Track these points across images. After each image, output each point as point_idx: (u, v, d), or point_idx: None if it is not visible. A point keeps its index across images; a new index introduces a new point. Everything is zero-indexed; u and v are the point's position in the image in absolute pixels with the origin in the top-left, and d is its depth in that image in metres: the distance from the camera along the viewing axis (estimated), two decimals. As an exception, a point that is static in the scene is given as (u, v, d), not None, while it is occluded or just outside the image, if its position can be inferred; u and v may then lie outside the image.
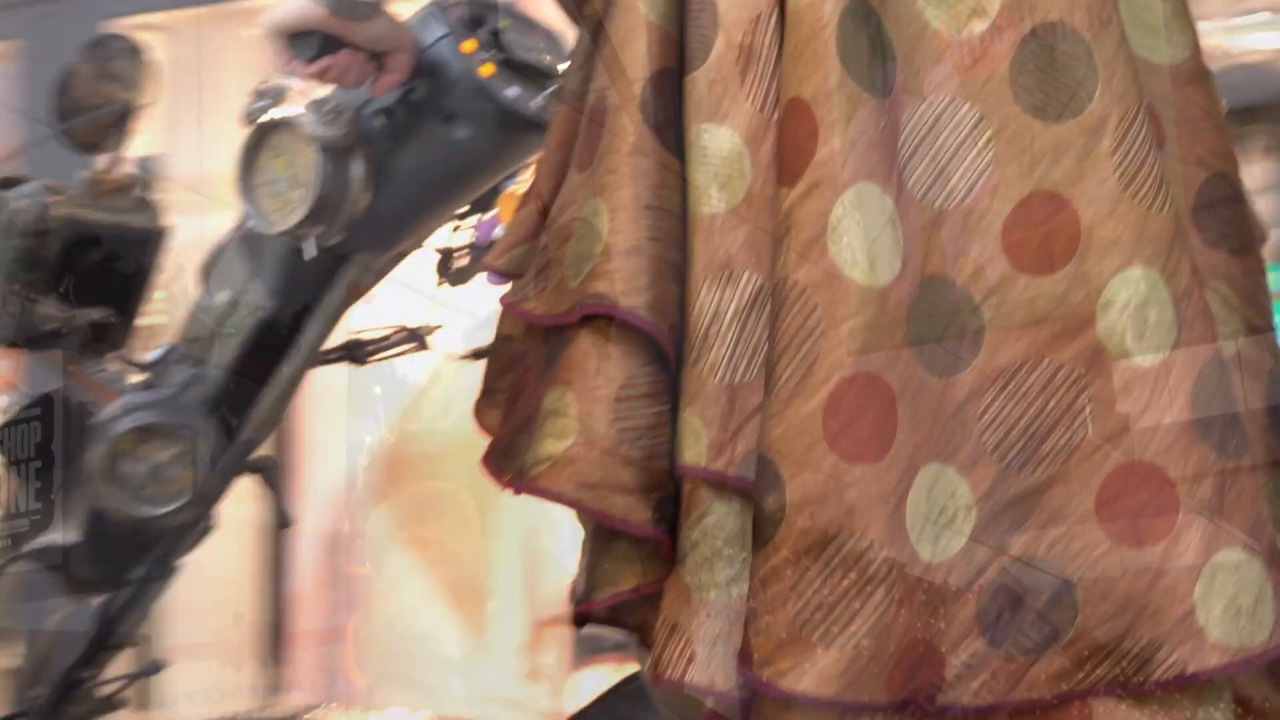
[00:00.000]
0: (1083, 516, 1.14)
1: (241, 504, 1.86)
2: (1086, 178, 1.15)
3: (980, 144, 1.18)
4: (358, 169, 1.56)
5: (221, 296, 1.70)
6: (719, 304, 1.21)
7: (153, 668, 1.89)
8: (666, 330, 1.19)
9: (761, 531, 1.16)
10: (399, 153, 1.59)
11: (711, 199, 1.21)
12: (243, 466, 1.75)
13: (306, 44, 1.51)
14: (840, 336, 1.14)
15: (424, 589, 3.19)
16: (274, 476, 1.83)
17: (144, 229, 1.80)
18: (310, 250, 1.57)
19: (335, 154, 1.55)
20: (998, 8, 1.19)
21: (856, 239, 1.15)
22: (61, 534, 1.68)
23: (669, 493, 1.24)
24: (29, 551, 1.70)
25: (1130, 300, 1.14)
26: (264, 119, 1.56)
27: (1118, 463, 1.13)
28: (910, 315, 1.15)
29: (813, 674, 1.12)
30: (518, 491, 1.24)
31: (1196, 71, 1.25)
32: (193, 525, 1.73)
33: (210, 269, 1.73)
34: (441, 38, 1.59)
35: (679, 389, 1.23)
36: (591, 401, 1.22)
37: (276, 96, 1.56)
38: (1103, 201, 1.15)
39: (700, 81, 1.24)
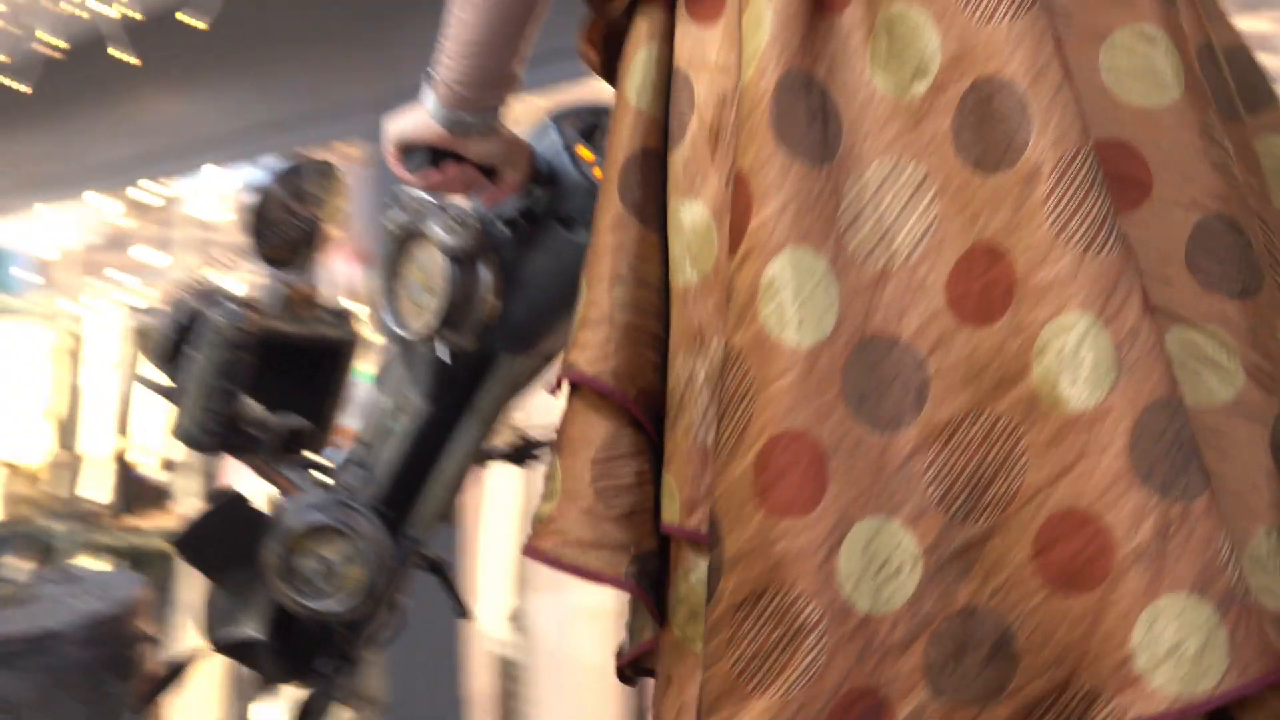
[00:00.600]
0: (1020, 565, 1.17)
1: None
2: (1022, 226, 1.18)
3: (925, 202, 1.23)
4: (485, 275, 1.68)
5: (386, 400, 1.85)
6: (692, 369, 1.32)
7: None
8: (633, 394, 1.30)
9: (709, 586, 1.25)
10: (525, 258, 1.71)
11: (685, 270, 1.32)
12: (414, 563, 1.89)
13: (418, 156, 1.66)
14: (770, 397, 1.22)
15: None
16: (446, 573, 1.97)
17: (335, 339, 1.97)
18: (443, 353, 1.70)
19: (463, 261, 1.67)
20: (938, 67, 1.23)
21: (786, 302, 1.22)
22: (249, 628, 1.85)
23: (652, 547, 1.34)
24: (221, 644, 1.87)
25: (1064, 346, 1.16)
26: (400, 229, 1.71)
27: (1052, 510, 1.16)
28: (846, 373, 1.21)
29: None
30: (525, 555, 1.36)
31: (1189, 114, 1.25)
32: (369, 620, 1.88)
33: (381, 374, 1.89)
34: (558, 147, 1.71)
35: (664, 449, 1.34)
36: (573, 464, 1.36)
37: (412, 208, 1.70)
38: (1036, 249, 1.17)
39: (678, 160, 1.35)
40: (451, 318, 1.67)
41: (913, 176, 1.25)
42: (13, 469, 6.38)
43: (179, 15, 4.84)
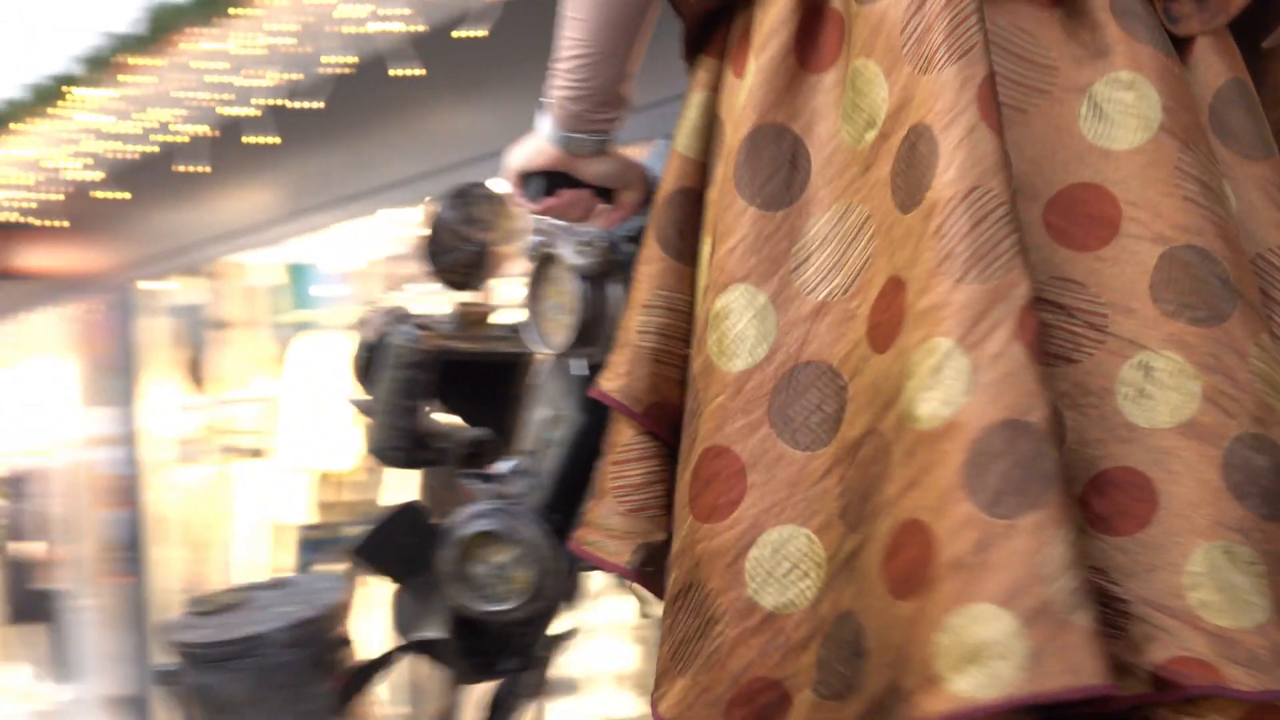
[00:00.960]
0: (875, 571, 1.29)
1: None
2: (918, 259, 1.28)
3: (864, 241, 1.34)
4: (615, 293, 1.82)
5: (544, 411, 2.01)
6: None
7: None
8: (644, 408, 1.47)
9: (666, 579, 1.45)
10: (651, 274, 1.84)
11: (706, 299, 1.46)
12: (583, 566, 2.04)
13: (535, 183, 1.80)
14: (708, 414, 1.41)
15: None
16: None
17: (511, 354, 2.14)
18: (580, 368, 1.85)
19: (593, 281, 1.82)
20: (884, 117, 1.34)
21: (725, 331, 1.40)
22: (433, 629, 2.03)
23: (662, 539, 1.53)
24: (411, 644, 2.06)
25: (926, 368, 1.25)
26: (536, 252, 1.86)
27: (899, 520, 1.26)
28: (774, 396, 1.37)
29: (669, 699, 1.41)
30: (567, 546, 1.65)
31: (1163, 152, 1.32)
32: (543, 619, 2.04)
33: (538, 388, 2.04)
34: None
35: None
36: (604, 466, 1.54)
37: (546, 232, 1.86)
38: (921, 279, 1.28)
39: (709, 200, 1.49)
40: (585, 334, 1.82)
41: (859, 218, 1.37)
42: (322, 476, 6.80)
43: (454, 33, 5.10)
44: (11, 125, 7.38)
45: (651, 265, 1.54)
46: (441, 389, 2.11)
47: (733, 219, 1.42)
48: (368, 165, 6.09)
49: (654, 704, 1.44)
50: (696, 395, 1.42)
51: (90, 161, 7.29)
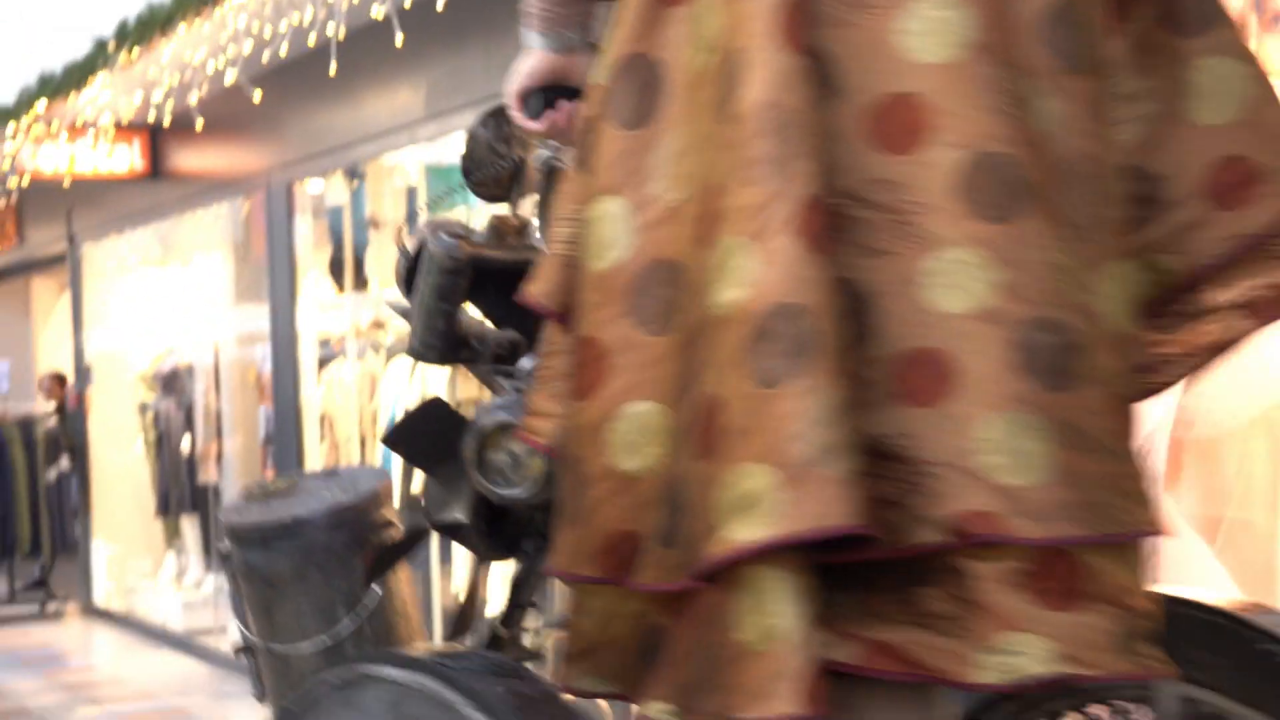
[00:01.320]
0: (686, 438, 1.54)
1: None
2: (727, 167, 1.55)
3: (698, 154, 1.60)
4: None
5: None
6: None
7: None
8: (558, 308, 1.71)
9: None
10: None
11: (585, 208, 1.71)
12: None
13: (534, 101, 2.00)
14: (583, 310, 1.65)
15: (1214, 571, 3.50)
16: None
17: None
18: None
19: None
20: (717, 43, 1.58)
21: (596, 236, 1.63)
22: (458, 512, 2.27)
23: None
24: (437, 524, 2.30)
25: (723, 261, 1.52)
26: (547, 166, 2.07)
27: (702, 394, 1.52)
28: (631, 290, 1.60)
29: (559, 553, 1.67)
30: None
31: (974, 68, 1.55)
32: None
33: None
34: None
35: None
36: (539, 360, 1.84)
37: (556, 146, 2.06)
38: (728, 185, 1.55)
39: (591, 120, 1.73)
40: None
41: (696, 134, 1.58)
42: (464, 373, 7.05)
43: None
44: (164, 28, 7.72)
45: (569, 184, 1.75)
46: (475, 295, 2.33)
47: (600, 139, 1.64)
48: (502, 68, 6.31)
49: (551, 560, 1.70)
50: (580, 293, 1.65)
51: (242, 63, 7.59)
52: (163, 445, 11.42)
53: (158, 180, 10.58)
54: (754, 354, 1.47)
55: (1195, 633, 1.91)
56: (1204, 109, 1.68)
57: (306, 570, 2.35)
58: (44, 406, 13.47)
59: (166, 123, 8.88)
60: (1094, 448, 1.49)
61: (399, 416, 2.25)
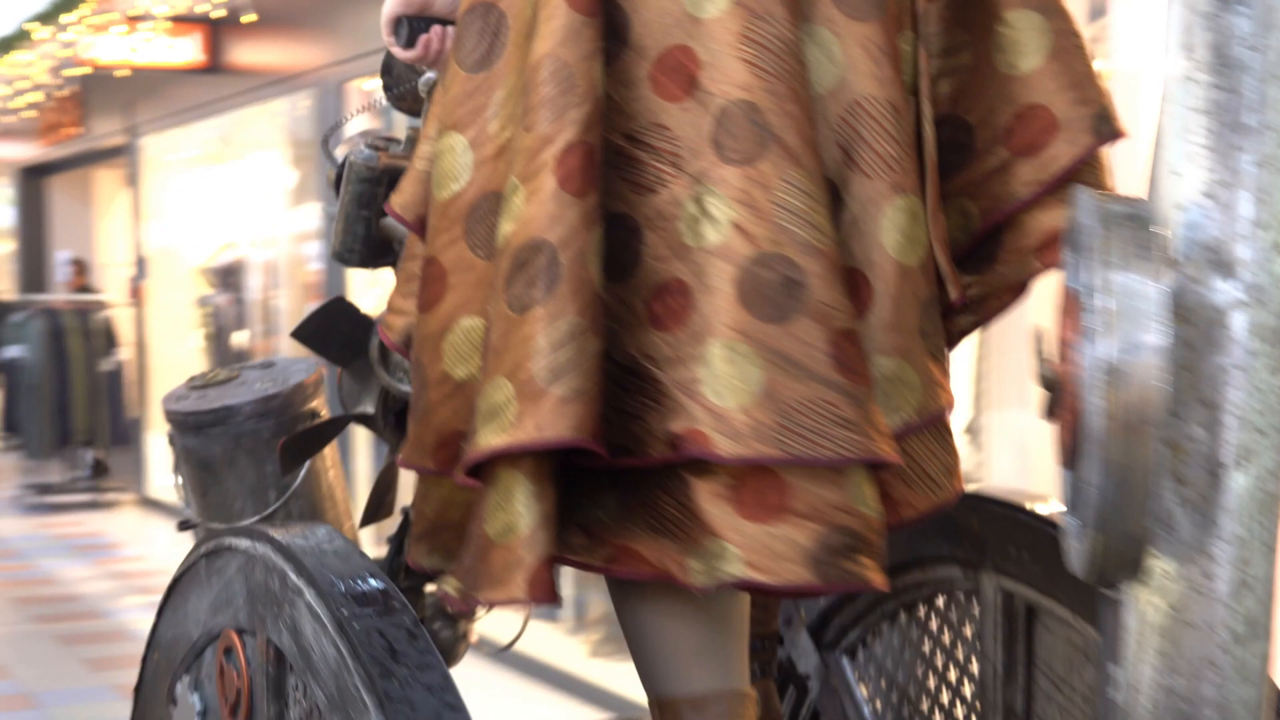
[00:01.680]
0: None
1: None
2: (522, 110, 1.78)
3: (520, 96, 1.77)
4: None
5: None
6: None
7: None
8: (414, 219, 1.92)
9: None
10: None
11: (435, 140, 1.92)
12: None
13: (403, 29, 2.18)
14: (429, 234, 1.86)
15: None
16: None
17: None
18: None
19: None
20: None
21: (440, 168, 1.84)
22: (368, 405, 2.51)
23: None
24: (354, 415, 2.53)
25: (507, 197, 1.76)
26: (429, 87, 2.28)
27: (490, 316, 1.77)
28: (467, 216, 1.81)
29: (407, 445, 1.90)
30: None
31: (732, 23, 1.74)
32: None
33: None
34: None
35: None
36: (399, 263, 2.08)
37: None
38: (521, 126, 1.78)
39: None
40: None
41: (520, 79, 1.79)
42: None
43: None
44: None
45: (433, 106, 1.94)
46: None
47: (451, 78, 1.85)
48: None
49: (401, 453, 1.92)
50: (430, 216, 1.87)
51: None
52: (219, 339, 11.73)
53: (217, 74, 10.82)
54: (510, 282, 1.70)
55: (1012, 532, 2.13)
56: (1010, 59, 1.85)
57: (236, 455, 2.60)
58: (106, 296, 13.83)
59: (219, 15, 9.06)
60: (803, 376, 1.67)
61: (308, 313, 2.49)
